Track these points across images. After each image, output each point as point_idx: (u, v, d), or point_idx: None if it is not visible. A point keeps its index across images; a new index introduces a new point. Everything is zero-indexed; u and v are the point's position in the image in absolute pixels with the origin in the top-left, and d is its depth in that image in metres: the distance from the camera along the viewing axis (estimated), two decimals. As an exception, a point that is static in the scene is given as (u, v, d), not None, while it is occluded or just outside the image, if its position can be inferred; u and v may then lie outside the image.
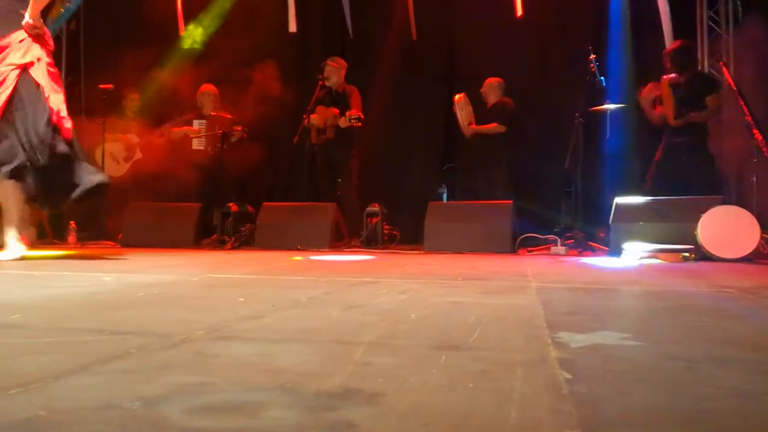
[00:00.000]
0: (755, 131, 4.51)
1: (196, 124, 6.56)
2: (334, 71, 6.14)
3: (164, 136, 6.73)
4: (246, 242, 5.77)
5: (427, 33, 7.12)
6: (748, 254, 4.00)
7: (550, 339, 1.30)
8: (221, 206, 5.93)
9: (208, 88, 6.58)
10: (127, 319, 1.59)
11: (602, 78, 5.39)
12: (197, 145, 6.57)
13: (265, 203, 5.94)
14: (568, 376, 0.99)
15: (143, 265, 3.62)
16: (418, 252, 5.21)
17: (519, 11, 6.64)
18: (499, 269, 3.39)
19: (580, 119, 5.39)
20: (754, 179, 4.78)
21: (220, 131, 6.27)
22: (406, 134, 6.95)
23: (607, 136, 5.74)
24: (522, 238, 5.39)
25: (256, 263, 3.83)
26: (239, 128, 6.32)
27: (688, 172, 5.00)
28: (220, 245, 5.63)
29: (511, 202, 5.43)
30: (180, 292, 2.22)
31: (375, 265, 3.69)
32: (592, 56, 5.40)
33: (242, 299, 2.00)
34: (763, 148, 4.45)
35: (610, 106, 5.44)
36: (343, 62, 6.24)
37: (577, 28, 6.60)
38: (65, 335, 1.35)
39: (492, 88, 6.34)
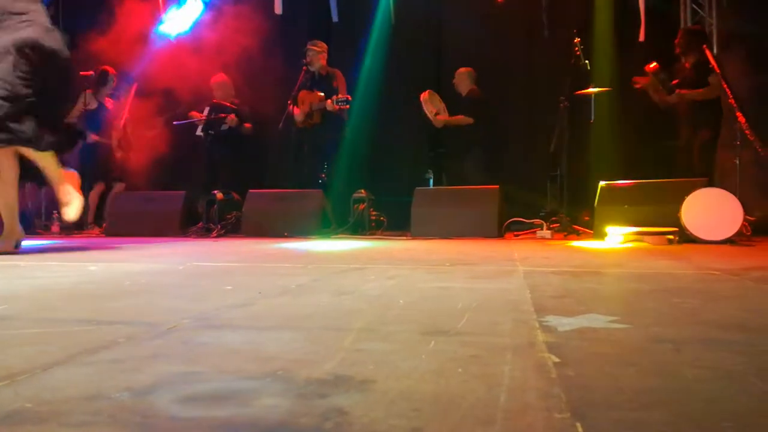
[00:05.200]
0: (738, 114, 4.55)
1: (206, 112, 6.54)
2: (316, 55, 6.11)
3: (155, 128, 6.69)
4: (232, 230, 5.74)
5: (413, 17, 7.08)
6: (732, 236, 4.05)
7: (538, 323, 1.30)
8: (207, 193, 5.90)
9: (219, 77, 6.57)
10: (114, 309, 1.57)
11: (587, 62, 5.39)
12: (199, 131, 6.58)
13: (251, 190, 5.91)
14: (557, 359, 0.99)
15: (129, 253, 3.60)
16: (405, 238, 5.22)
17: None
18: (486, 254, 3.40)
19: (565, 103, 5.39)
20: (737, 162, 4.82)
21: (204, 118, 6.23)
22: (392, 120, 6.93)
23: (592, 120, 5.76)
24: (508, 222, 5.42)
25: (243, 251, 3.81)
26: (232, 116, 6.29)
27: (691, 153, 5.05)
28: (206, 233, 5.59)
29: (497, 187, 5.44)
30: (167, 281, 2.21)
31: (363, 252, 3.69)
32: (577, 39, 5.40)
33: (230, 287, 1.99)
34: (746, 131, 4.49)
35: (595, 90, 5.45)
36: (323, 45, 6.20)
37: (561, 12, 6.59)
38: (52, 326, 1.33)
39: (462, 78, 6.42)
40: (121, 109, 6.70)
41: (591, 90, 5.45)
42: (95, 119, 6.52)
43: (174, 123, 6.54)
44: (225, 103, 6.44)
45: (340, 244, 4.48)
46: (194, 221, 5.86)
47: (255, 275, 2.38)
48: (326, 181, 6.07)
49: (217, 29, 6.58)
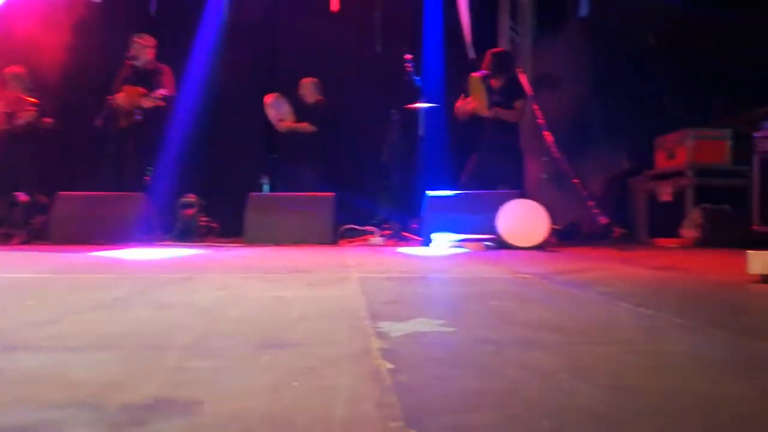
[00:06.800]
0: (546, 133, 5.06)
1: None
2: (143, 49, 5.70)
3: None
4: (38, 236, 5.15)
5: (248, 17, 6.91)
6: (540, 243, 4.49)
7: (373, 329, 1.32)
8: (7, 195, 5.23)
9: (14, 68, 5.84)
10: None
11: (417, 78, 5.66)
12: None
13: (60, 192, 5.32)
14: (391, 366, 1.00)
15: None
16: (238, 244, 5.05)
17: (335, 6, 6.74)
18: (322, 261, 3.40)
19: (397, 116, 5.61)
20: (545, 176, 5.35)
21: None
22: (226, 122, 6.69)
23: (422, 133, 6.06)
24: (342, 229, 5.49)
25: (51, 260, 3.42)
26: (32, 109, 5.63)
27: (500, 168, 5.45)
28: (6, 240, 4.96)
29: (333, 194, 5.49)
30: (-49, 297, 1.90)
31: (190, 260, 3.50)
32: (408, 56, 5.65)
33: (32, 302, 1.76)
34: (552, 149, 5.00)
35: (424, 105, 5.75)
36: (151, 39, 5.81)
37: (394, 27, 6.85)
38: None
39: (308, 88, 6.42)
40: None
41: (420, 105, 5.73)
42: None
43: None
44: (23, 96, 5.77)
45: (164, 252, 4.21)
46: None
47: (64, 288, 2.13)
48: (150, 184, 5.66)
49: (26, 15, 5.89)
